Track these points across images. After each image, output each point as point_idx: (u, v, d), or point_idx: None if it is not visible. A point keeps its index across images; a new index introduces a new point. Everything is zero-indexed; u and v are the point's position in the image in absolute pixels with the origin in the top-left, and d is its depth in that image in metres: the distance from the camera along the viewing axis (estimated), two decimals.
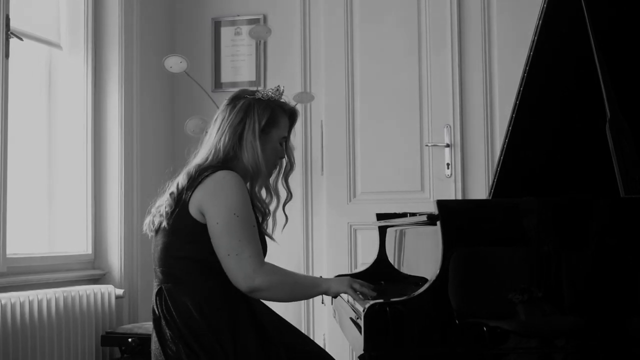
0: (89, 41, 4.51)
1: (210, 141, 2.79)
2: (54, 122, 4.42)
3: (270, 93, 2.82)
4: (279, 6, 5.00)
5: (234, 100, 2.83)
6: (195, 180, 2.64)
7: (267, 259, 2.72)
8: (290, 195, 2.95)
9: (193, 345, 2.55)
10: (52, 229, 4.38)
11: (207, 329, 2.56)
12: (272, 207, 2.89)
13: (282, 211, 2.90)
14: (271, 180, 2.89)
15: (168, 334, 2.60)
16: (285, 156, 2.89)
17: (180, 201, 2.65)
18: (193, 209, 2.62)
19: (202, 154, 2.79)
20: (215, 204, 2.59)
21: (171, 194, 2.68)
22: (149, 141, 4.80)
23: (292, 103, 2.98)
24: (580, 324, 2.13)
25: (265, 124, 2.76)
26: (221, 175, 2.63)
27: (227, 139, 2.75)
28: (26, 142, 4.22)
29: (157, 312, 2.66)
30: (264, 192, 2.89)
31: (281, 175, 2.92)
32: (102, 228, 4.50)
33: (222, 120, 2.80)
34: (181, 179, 2.69)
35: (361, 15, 4.82)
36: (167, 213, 2.66)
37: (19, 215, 4.09)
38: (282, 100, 2.86)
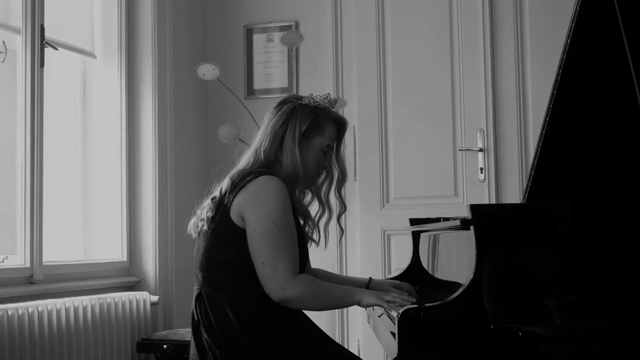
0: (122, 50, 4.54)
1: (254, 145, 2.78)
2: (89, 131, 4.46)
3: (318, 99, 2.79)
4: (311, 12, 5.00)
5: (280, 104, 2.81)
6: (238, 185, 2.62)
7: None
8: (344, 206, 2.89)
9: (230, 354, 2.55)
10: (87, 237, 4.41)
11: (245, 336, 2.55)
12: (324, 219, 2.85)
13: (336, 223, 2.88)
14: (322, 191, 2.86)
15: (206, 341, 2.59)
16: (336, 167, 2.85)
17: (221, 206, 2.64)
18: (234, 214, 2.61)
19: (245, 158, 2.77)
20: (255, 210, 2.57)
21: (213, 198, 2.68)
22: (182, 148, 4.82)
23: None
24: (617, 329, 2.11)
25: (306, 129, 2.73)
26: (263, 180, 2.61)
27: (268, 142, 2.72)
28: (61, 151, 4.26)
29: (196, 318, 2.65)
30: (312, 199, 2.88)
31: (333, 187, 2.87)
32: (136, 235, 4.52)
33: (267, 123, 2.78)
34: (224, 184, 2.68)
35: (393, 20, 4.82)
36: (208, 218, 2.65)
37: (55, 223, 4.12)
38: (332, 109, 2.82)
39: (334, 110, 2.83)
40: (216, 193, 2.69)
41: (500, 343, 2.09)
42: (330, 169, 2.85)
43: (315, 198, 2.88)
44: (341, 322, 4.78)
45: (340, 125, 2.84)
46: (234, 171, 2.73)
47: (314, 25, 4.98)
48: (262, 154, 2.72)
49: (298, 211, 2.77)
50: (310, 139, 2.75)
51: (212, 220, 2.65)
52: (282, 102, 2.82)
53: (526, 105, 4.59)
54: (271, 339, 2.57)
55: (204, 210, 2.69)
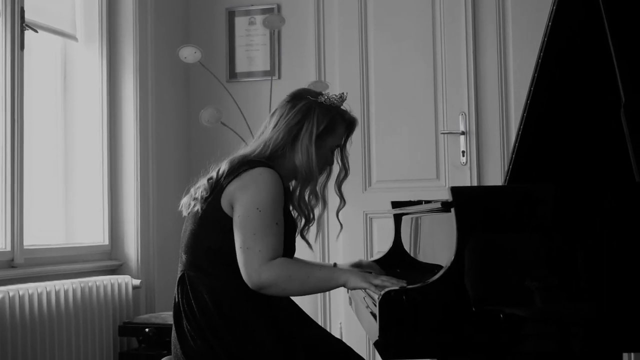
0: (103, 32, 4.52)
1: (264, 136, 2.75)
2: (70, 114, 4.44)
3: (333, 99, 2.77)
4: None
5: (295, 98, 2.78)
6: (235, 170, 2.60)
7: None
8: (343, 202, 2.89)
9: (210, 339, 2.54)
10: (68, 220, 4.40)
11: (223, 324, 2.54)
12: (317, 212, 2.83)
13: (336, 218, 2.89)
14: (318, 185, 2.83)
15: (186, 326, 2.58)
16: (340, 163, 2.86)
17: (216, 188, 2.62)
18: (225, 201, 2.59)
19: (251, 146, 2.74)
20: (242, 197, 2.55)
21: (209, 179, 2.65)
22: (164, 132, 4.81)
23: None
24: (597, 310, 2.12)
25: (322, 130, 2.72)
26: (258, 172, 2.58)
27: (280, 137, 2.70)
28: (42, 134, 4.24)
29: (176, 301, 2.64)
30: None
31: (335, 181, 2.87)
32: (118, 219, 4.51)
33: (280, 117, 2.74)
34: (223, 166, 2.65)
35: (375, 3, 4.81)
36: (202, 197, 2.63)
37: (36, 207, 4.11)
38: (343, 107, 2.82)
39: (345, 109, 2.83)
40: (213, 174, 2.67)
41: (482, 325, 2.10)
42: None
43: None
44: (323, 305, 4.78)
45: (350, 125, 2.85)
46: (236, 155, 2.71)
47: (296, 8, 4.97)
48: (270, 146, 2.70)
49: (301, 210, 2.76)
50: (324, 139, 2.74)
51: (204, 201, 2.63)
52: (296, 98, 2.79)
53: (508, 88, 4.59)
54: (251, 333, 2.55)
55: (199, 189, 2.66)
